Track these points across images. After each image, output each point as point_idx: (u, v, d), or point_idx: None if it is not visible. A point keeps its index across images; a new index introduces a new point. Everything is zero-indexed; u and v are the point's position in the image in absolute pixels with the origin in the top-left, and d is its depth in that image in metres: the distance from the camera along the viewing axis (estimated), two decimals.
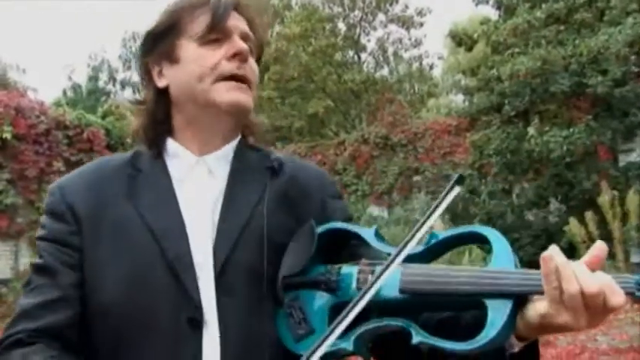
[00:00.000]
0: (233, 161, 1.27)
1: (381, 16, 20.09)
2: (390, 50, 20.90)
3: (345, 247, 1.24)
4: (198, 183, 1.24)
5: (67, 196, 1.23)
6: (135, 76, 31.49)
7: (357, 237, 1.22)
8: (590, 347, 6.19)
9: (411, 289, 1.06)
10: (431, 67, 21.52)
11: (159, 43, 1.27)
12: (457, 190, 1.08)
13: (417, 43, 20.38)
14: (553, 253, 0.99)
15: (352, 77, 19.62)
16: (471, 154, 13.65)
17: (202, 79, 1.21)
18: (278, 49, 18.87)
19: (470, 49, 16.84)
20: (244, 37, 1.26)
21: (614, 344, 6.29)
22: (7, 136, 11.16)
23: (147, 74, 1.30)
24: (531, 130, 11.59)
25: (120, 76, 31.73)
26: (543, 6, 12.48)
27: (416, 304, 1.08)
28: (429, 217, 1.06)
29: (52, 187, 1.27)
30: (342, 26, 20.66)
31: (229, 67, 1.22)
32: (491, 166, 12.97)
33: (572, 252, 10.80)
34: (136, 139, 1.32)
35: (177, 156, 1.26)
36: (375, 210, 15.37)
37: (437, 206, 1.07)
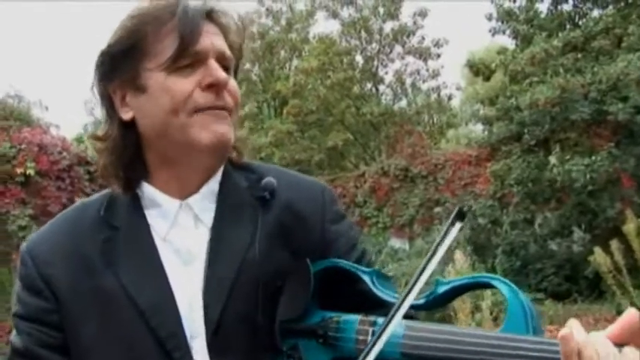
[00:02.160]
0: (219, 199, 1.13)
1: (398, 48, 20.17)
2: (408, 82, 20.94)
3: (344, 285, 1.14)
4: (184, 234, 1.11)
5: (42, 268, 1.10)
6: None
7: (358, 278, 1.14)
8: None
9: (415, 355, 0.98)
10: (449, 98, 21.50)
11: (119, 66, 1.09)
12: (459, 226, 0.99)
13: (435, 74, 20.40)
14: (573, 331, 0.82)
15: (371, 109, 19.65)
16: (491, 184, 13.55)
17: (175, 114, 1.05)
18: (296, 83, 18.98)
19: (488, 78, 16.84)
20: (221, 57, 1.09)
21: None
22: (31, 172, 11.28)
23: (107, 102, 1.13)
24: (553, 159, 11.50)
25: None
26: (560, 34, 12.48)
27: None
28: (429, 260, 0.96)
29: (23, 254, 1.14)
30: (359, 59, 20.77)
31: (206, 99, 1.06)
32: (512, 195, 12.86)
33: (597, 282, 10.62)
34: (105, 180, 1.15)
35: (157, 204, 1.12)
36: (396, 242, 15.26)
37: (437, 247, 0.97)
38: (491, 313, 7.30)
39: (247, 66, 22.47)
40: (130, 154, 1.12)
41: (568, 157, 11.36)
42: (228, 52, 1.11)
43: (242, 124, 22.01)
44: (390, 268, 11.51)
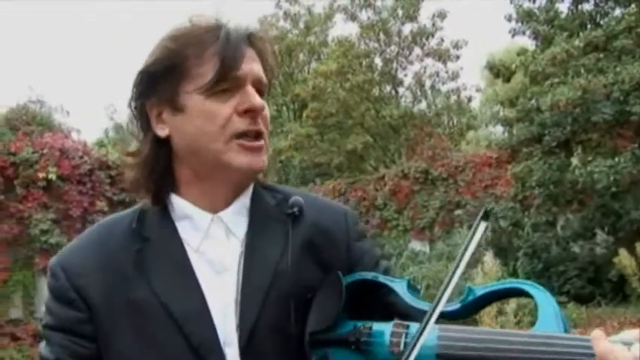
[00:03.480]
0: (250, 213, 1.16)
1: (417, 50, 20.11)
2: (428, 84, 20.87)
3: (374, 298, 1.16)
4: (217, 246, 1.13)
5: (74, 279, 1.11)
6: None
7: (389, 289, 1.15)
8: None
9: (450, 355, 0.99)
10: (469, 100, 21.40)
11: (158, 86, 1.10)
12: (484, 225, 1.00)
13: (455, 76, 20.31)
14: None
15: (390, 112, 19.61)
16: (512, 187, 13.46)
17: (213, 139, 1.08)
18: (315, 86, 19.00)
19: (508, 80, 16.74)
20: (257, 83, 1.12)
21: None
22: (52, 176, 11.40)
23: (144, 118, 1.14)
24: (574, 161, 11.39)
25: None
26: (581, 34, 12.36)
27: None
28: (460, 261, 1.00)
29: (54, 267, 1.14)
30: (378, 61, 20.73)
31: (242, 124, 1.09)
32: (534, 197, 12.76)
33: (621, 285, 10.50)
34: (135, 194, 1.17)
35: (189, 217, 1.13)
36: (416, 245, 15.21)
37: (466, 248, 1.00)
38: (515, 316, 7.25)
39: None
40: (162, 168, 1.13)
41: (590, 158, 11.24)
42: (264, 77, 1.14)
43: None
44: (411, 271, 11.47)
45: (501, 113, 17.64)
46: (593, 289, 11.25)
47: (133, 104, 1.15)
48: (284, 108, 21.73)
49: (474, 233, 1.00)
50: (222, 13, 1.14)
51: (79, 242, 1.18)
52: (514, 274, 11.50)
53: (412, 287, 1.14)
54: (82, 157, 12.00)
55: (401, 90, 21.46)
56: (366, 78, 19.43)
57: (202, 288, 1.10)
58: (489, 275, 7.31)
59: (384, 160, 21.14)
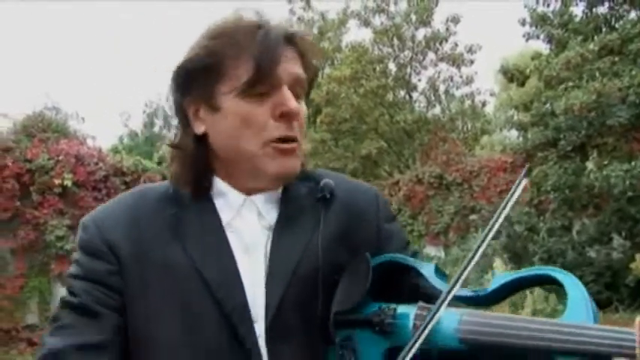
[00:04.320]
0: (282, 199, 1.17)
1: (431, 55, 20.08)
2: (442, 89, 20.83)
3: (401, 280, 1.17)
4: (248, 225, 1.14)
5: (105, 233, 1.12)
6: None
7: (416, 272, 1.14)
8: None
9: (473, 340, 0.97)
10: (483, 104, 21.31)
11: (194, 83, 1.11)
12: (525, 182, 1.04)
13: (469, 81, 20.25)
14: None
15: (404, 117, 19.58)
16: (528, 191, 13.38)
17: (248, 142, 1.09)
18: (329, 92, 19.02)
19: (522, 84, 16.69)
20: (294, 84, 1.11)
21: None
22: (68, 183, 11.48)
23: (182, 114, 1.16)
24: (590, 165, 11.32)
25: (175, 122, 32.53)
26: (596, 38, 12.28)
27: (477, 355, 0.99)
28: (502, 211, 1.03)
29: (86, 221, 1.15)
30: (392, 67, 20.72)
31: (278, 130, 1.09)
32: (549, 202, 12.69)
33: (639, 290, 10.41)
34: (176, 185, 1.17)
35: (224, 195, 1.15)
36: (431, 250, 15.16)
37: (508, 201, 1.04)
38: None
39: None
40: (202, 163, 1.15)
41: (606, 162, 11.16)
42: (302, 77, 1.13)
43: None
44: None
45: (515, 117, 17.58)
46: (610, 294, 11.16)
47: (171, 99, 1.17)
48: None
49: (515, 190, 1.03)
50: (263, 11, 1.14)
51: (112, 203, 1.19)
52: None
53: (440, 271, 1.13)
54: (97, 164, 12.07)
55: (415, 95, 21.43)
56: (379, 83, 19.42)
57: (237, 263, 1.11)
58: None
59: (398, 165, 21.11)
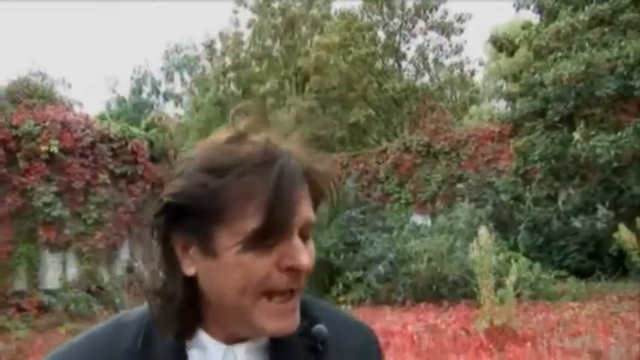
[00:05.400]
0: (270, 348, 1.05)
1: (420, 23, 20.00)
2: (431, 57, 20.78)
3: None
4: None
5: None
6: (177, 88, 32.06)
7: None
8: None
9: None
10: (472, 74, 21.32)
11: (188, 222, 0.95)
12: None
13: (458, 50, 20.21)
14: None
15: (393, 85, 19.55)
16: (514, 161, 13.46)
17: (244, 294, 0.94)
18: (318, 59, 18.92)
19: (511, 54, 16.69)
20: (305, 227, 0.96)
21: None
22: (55, 149, 11.41)
23: (169, 249, 0.98)
24: (577, 135, 11.39)
25: (162, 88, 32.27)
26: (586, 8, 12.26)
27: None
28: None
29: None
30: (381, 34, 20.62)
31: (281, 282, 0.94)
32: (535, 172, 12.78)
33: (621, 260, 10.55)
34: (159, 329, 1.02)
35: (203, 348, 1.03)
36: (418, 219, 15.26)
37: None
38: (515, 289, 7.29)
39: (269, 42, 22.41)
40: (190, 313, 1.00)
41: (593, 133, 11.23)
42: (312, 219, 0.97)
43: (264, 101, 21.98)
44: (412, 244, 11.52)
45: (504, 88, 17.58)
46: (594, 263, 11.31)
47: (156, 234, 0.98)
48: (286, 81, 21.65)
49: None
50: (274, 141, 0.95)
51: (77, 351, 1.05)
52: (515, 248, 11.56)
53: None
54: (84, 130, 11.99)
55: (404, 63, 21.36)
56: (368, 51, 19.33)
57: None
58: (485, 249, 7.31)
59: (386, 133, 21.12)
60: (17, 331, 9.23)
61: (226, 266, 0.92)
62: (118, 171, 12.32)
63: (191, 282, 0.96)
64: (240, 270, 0.92)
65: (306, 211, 0.94)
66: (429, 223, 14.70)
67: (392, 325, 8.36)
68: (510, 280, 7.14)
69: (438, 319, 8.62)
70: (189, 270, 0.95)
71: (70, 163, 11.69)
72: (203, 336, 1.01)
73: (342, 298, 11.46)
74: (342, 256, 12.30)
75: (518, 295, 8.01)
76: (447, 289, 10.38)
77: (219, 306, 0.97)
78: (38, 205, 11.25)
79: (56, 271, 11.59)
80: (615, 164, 10.95)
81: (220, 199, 0.90)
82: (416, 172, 16.00)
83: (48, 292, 11.16)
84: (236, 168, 0.91)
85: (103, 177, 12.02)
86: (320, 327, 1.06)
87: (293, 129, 1.05)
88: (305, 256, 0.93)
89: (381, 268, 11.55)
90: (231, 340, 1.01)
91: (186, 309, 0.97)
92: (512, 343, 6.40)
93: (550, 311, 8.57)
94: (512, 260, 9.03)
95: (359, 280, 11.66)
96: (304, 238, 0.95)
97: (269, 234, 0.90)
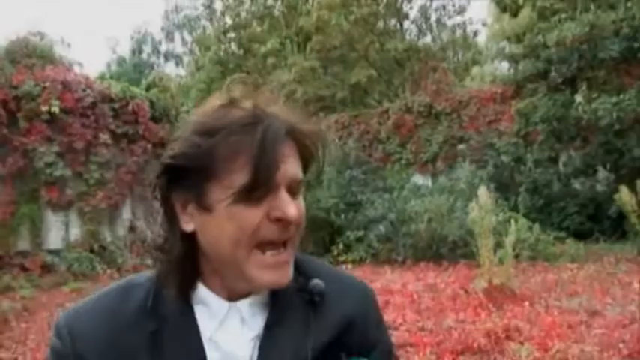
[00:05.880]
0: (270, 303, 1.12)
1: None
2: (433, 17, 20.61)
3: None
4: (231, 337, 1.08)
5: (79, 346, 1.07)
6: (177, 48, 31.84)
7: None
8: None
9: None
10: (475, 34, 21.17)
11: (183, 182, 1.03)
12: None
13: (461, 10, 20.05)
14: None
15: (395, 46, 19.40)
16: (516, 122, 13.44)
17: (238, 245, 1.01)
18: (319, 19, 18.73)
19: (515, 14, 16.48)
20: (293, 183, 1.03)
21: None
22: (55, 110, 11.38)
23: (169, 208, 1.07)
24: (579, 97, 11.35)
25: (163, 49, 32.01)
26: None
27: None
28: None
29: (61, 327, 1.09)
30: None
31: (271, 232, 1.01)
32: (537, 134, 12.77)
33: (620, 222, 10.61)
34: (161, 286, 1.10)
35: (206, 303, 1.09)
36: (419, 179, 15.30)
37: None
38: (513, 249, 7.34)
39: (270, 1, 22.18)
40: (190, 266, 1.07)
41: (595, 95, 11.18)
42: (299, 179, 1.05)
43: (265, 60, 21.72)
44: (413, 204, 11.58)
45: (507, 49, 17.43)
46: (593, 225, 11.38)
47: (157, 193, 1.07)
48: (287, 41, 21.48)
49: None
50: (260, 95, 1.04)
51: (92, 305, 1.12)
52: (515, 209, 11.62)
53: None
54: (84, 90, 11.95)
55: (406, 24, 21.17)
56: (370, 10, 19.14)
57: None
58: (485, 209, 7.35)
59: (387, 93, 21.04)
60: (22, 290, 9.34)
61: (220, 219, 1.00)
62: (119, 131, 12.31)
63: (189, 238, 1.04)
64: (233, 222, 1.00)
65: (291, 169, 1.02)
66: (429, 183, 14.76)
67: (392, 284, 8.47)
68: (509, 240, 7.19)
69: (437, 278, 8.72)
70: (188, 226, 1.04)
71: (71, 124, 11.67)
72: (205, 291, 1.08)
73: (342, 258, 11.57)
74: (343, 216, 12.39)
75: (517, 256, 8.08)
76: (447, 248, 10.48)
77: (216, 259, 1.04)
78: (40, 165, 11.27)
79: (59, 231, 11.66)
80: (617, 127, 10.94)
81: (212, 157, 0.99)
82: (417, 132, 15.99)
83: (51, 251, 11.26)
84: (225, 129, 1.00)
85: (105, 137, 12.01)
86: (316, 281, 1.14)
87: (280, 96, 1.11)
88: (292, 207, 1.00)
89: (381, 227, 11.64)
90: (233, 296, 1.08)
91: (186, 262, 1.05)
92: (510, 302, 6.48)
93: (548, 272, 8.66)
94: (512, 221, 9.10)
95: (360, 239, 11.76)
96: (292, 193, 1.03)
97: (256, 187, 0.98)
